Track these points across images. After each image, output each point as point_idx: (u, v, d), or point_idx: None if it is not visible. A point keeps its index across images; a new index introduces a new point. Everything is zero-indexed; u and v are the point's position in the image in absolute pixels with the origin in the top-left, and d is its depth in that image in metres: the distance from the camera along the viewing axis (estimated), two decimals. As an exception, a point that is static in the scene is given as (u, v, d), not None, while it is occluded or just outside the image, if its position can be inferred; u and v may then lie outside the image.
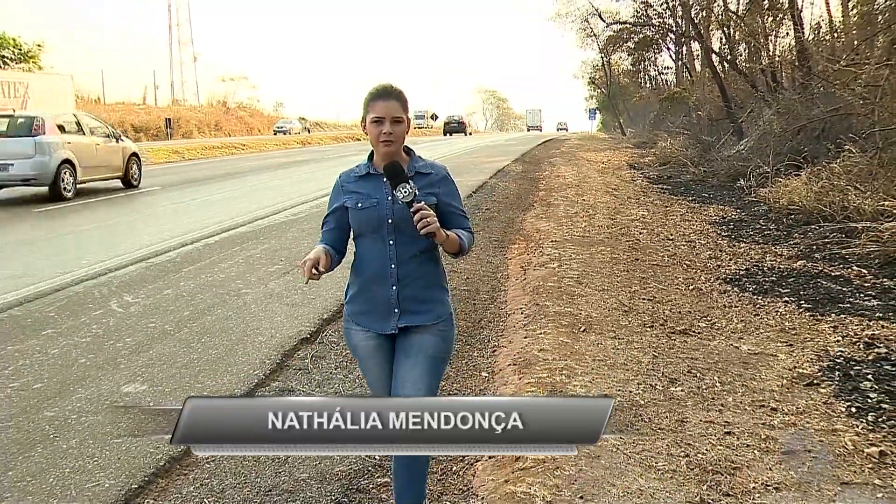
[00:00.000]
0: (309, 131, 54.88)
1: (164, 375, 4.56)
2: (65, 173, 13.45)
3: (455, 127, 59.06)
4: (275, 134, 49.32)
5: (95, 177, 14.78)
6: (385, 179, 2.53)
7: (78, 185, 13.96)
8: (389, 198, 2.54)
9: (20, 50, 31.37)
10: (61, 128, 13.92)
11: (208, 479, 3.36)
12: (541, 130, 75.69)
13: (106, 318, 5.78)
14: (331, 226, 2.67)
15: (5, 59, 31.17)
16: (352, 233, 2.66)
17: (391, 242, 2.56)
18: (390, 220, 2.54)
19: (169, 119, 44.26)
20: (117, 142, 15.57)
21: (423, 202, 2.44)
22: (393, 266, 2.56)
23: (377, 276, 2.58)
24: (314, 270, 2.43)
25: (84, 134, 14.56)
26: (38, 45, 32.16)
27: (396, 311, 2.59)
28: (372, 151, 2.64)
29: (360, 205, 2.58)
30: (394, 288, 2.57)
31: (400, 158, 2.59)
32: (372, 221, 2.56)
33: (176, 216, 11.51)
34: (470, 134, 61.11)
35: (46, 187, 13.32)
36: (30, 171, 13.05)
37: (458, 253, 2.61)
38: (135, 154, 16.17)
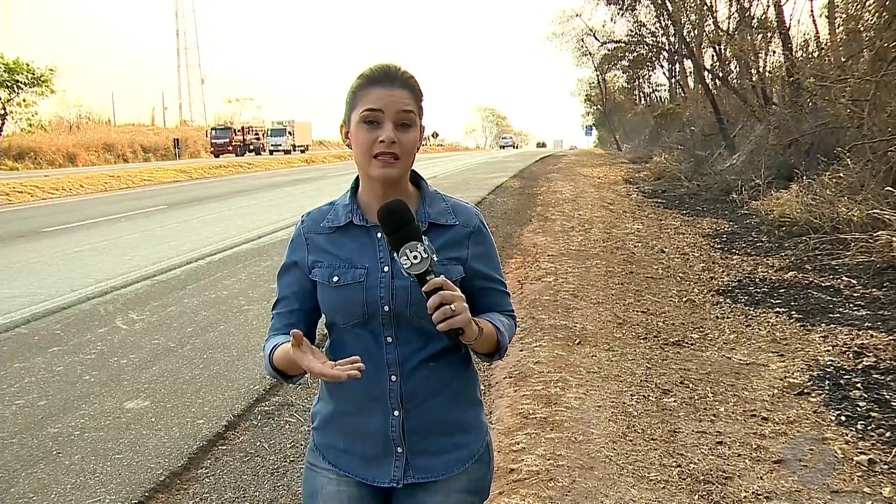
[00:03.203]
0: None
1: (167, 392, 4.53)
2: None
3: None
4: None
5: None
6: (380, 235, 1.51)
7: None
8: (387, 267, 1.51)
9: (34, 74, 31.74)
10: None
11: (208, 494, 3.33)
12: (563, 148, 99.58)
13: (111, 336, 5.76)
14: (292, 306, 1.59)
15: (19, 84, 31.54)
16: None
17: (389, 340, 1.51)
18: (387, 307, 1.50)
19: (177, 139, 44.54)
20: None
21: (441, 276, 1.39)
22: (394, 378, 1.51)
23: (365, 394, 1.53)
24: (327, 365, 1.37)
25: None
26: (51, 70, 32.47)
27: (400, 450, 1.54)
28: (355, 181, 1.58)
29: (335, 279, 1.52)
30: (395, 413, 1.52)
31: (405, 194, 1.53)
32: (356, 306, 1.50)
33: (182, 234, 11.50)
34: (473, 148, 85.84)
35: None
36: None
37: (492, 354, 1.58)
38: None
